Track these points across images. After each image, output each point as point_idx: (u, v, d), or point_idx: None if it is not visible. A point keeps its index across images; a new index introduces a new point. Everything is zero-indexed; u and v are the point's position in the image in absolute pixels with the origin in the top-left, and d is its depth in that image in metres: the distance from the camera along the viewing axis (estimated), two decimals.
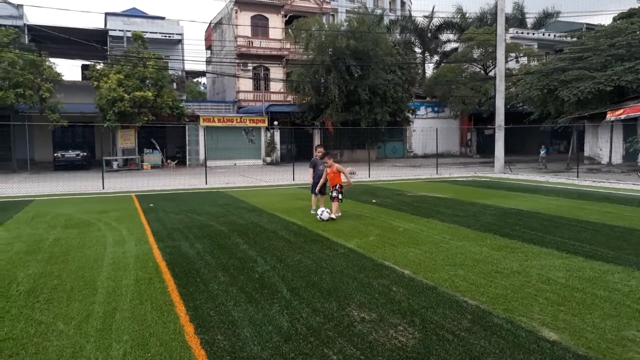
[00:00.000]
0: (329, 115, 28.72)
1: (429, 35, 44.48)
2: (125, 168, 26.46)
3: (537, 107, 26.63)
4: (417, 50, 44.44)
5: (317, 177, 9.92)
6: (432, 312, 4.47)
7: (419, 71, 40.59)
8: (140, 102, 24.87)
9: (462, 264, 6.11)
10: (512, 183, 17.35)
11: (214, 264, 6.24)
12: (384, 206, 11.32)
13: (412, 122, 35.27)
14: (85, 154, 26.81)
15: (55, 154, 26.93)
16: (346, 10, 42.97)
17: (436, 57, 46.02)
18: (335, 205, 9.49)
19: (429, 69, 45.22)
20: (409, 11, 51.98)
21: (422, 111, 38.26)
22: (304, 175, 20.56)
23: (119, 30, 30.70)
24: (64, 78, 26.94)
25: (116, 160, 26.72)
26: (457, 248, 6.97)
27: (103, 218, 9.88)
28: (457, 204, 11.54)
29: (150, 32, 30.34)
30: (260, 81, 34.97)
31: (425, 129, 35.08)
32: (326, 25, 31.74)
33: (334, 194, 9.45)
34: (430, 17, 43.74)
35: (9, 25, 25.35)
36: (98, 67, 27.27)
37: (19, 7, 29.33)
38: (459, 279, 5.47)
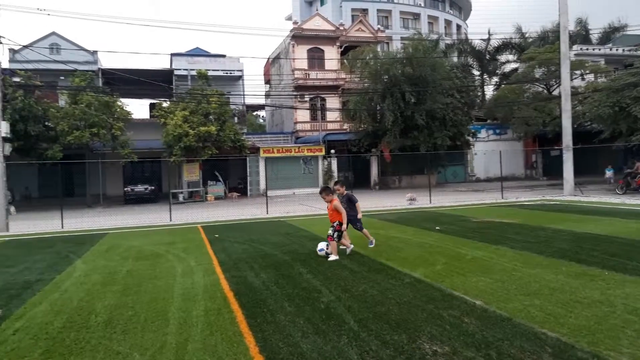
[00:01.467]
0: (387, 142, 28.62)
1: (487, 57, 43.72)
2: (191, 200, 27.46)
3: (607, 125, 25.26)
4: (476, 72, 43.74)
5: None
6: (509, 344, 4.23)
7: (479, 93, 39.83)
8: (204, 137, 25.91)
9: (538, 293, 5.78)
10: (585, 206, 16.39)
11: (279, 294, 6.26)
12: (448, 233, 11.00)
13: (473, 145, 34.43)
14: (153, 187, 28.12)
15: (125, 189, 28.43)
16: (401, 37, 43.22)
17: (495, 79, 45.06)
18: (332, 244, 8.47)
19: (489, 91, 44.28)
20: (465, 34, 51.51)
21: (483, 134, 37.32)
22: (362, 202, 20.47)
23: (184, 70, 32.44)
24: (133, 116, 28.65)
25: (182, 192, 27.81)
26: (530, 276, 6.62)
27: (172, 249, 10.23)
28: (527, 230, 11.02)
29: (213, 70, 31.81)
30: (317, 111, 35.56)
31: (488, 152, 34.11)
32: (381, 54, 31.98)
33: (330, 231, 8.60)
34: (487, 38, 43.09)
35: (86, 70, 27.42)
36: (165, 105, 28.81)
37: (94, 53, 31.75)
38: (535, 309, 5.17)
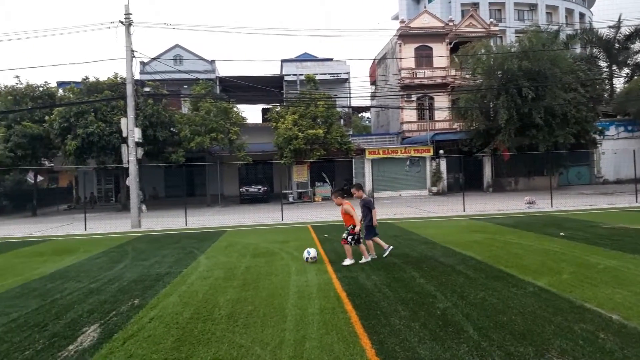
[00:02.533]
0: (502, 141, 27.09)
1: (617, 46, 39.55)
2: (300, 200, 28.29)
3: None
4: (603, 64, 39.78)
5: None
6: None
7: (606, 87, 36.16)
8: (313, 139, 26.55)
9: None
10: None
11: (392, 297, 6.17)
12: (575, 239, 10.09)
13: (600, 144, 31.32)
14: (265, 188, 29.43)
15: (240, 189, 30.07)
16: (515, 30, 40.73)
17: (627, 70, 40.58)
18: (346, 248, 8.40)
19: (619, 84, 40.01)
20: (590, 23, 47.16)
21: (612, 131, 33.82)
22: (474, 205, 19.58)
23: (293, 75, 33.56)
24: (248, 121, 30.23)
25: (292, 193, 28.75)
26: None
27: (285, 247, 10.58)
28: None
29: (320, 74, 32.51)
30: (425, 110, 34.74)
31: (618, 151, 30.85)
32: (494, 48, 30.37)
33: (344, 234, 8.47)
34: (617, 26, 38.97)
35: (205, 79, 29.50)
36: (276, 109, 30.03)
37: (212, 62, 34.05)
38: None
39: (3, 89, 26.49)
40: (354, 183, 9.63)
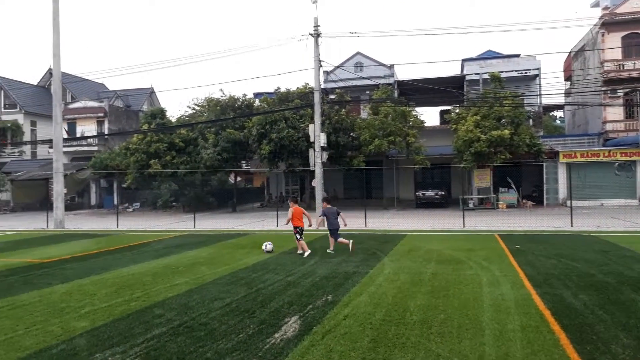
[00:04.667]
0: None
1: None
2: (481, 207, 26.83)
3: None
4: None
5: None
6: None
7: None
8: (497, 142, 24.96)
9: None
10: None
11: (609, 321, 5.36)
12: None
13: None
14: (443, 193, 28.61)
15: (417, 193, 29.75)
16: None
17: None
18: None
19: None
20: None
21: None
22: None
23: (475, 74, 32.02)
24: (425, 124, 29.79)
25: (472, 199, 27.44)
26: None
27: (472, 257, 10.06)
28: None
29: (506, 71, 30.42)
30: (635, 107, 29.97)
31: None
32: None
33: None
34: None
35: (384, 84, 29.94)
36: (455, 110, 29.01)
37: (390, 67, 34.42)
38: None
39: (213, 101, 30.59)
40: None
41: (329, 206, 11.76)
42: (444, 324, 5.41)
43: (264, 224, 20.12)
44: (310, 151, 18.98)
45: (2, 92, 43.11)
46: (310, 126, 19.21)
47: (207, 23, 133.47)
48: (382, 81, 31.16)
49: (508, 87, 28.07)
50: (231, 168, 29.79)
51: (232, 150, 28.12)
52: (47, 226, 20.88)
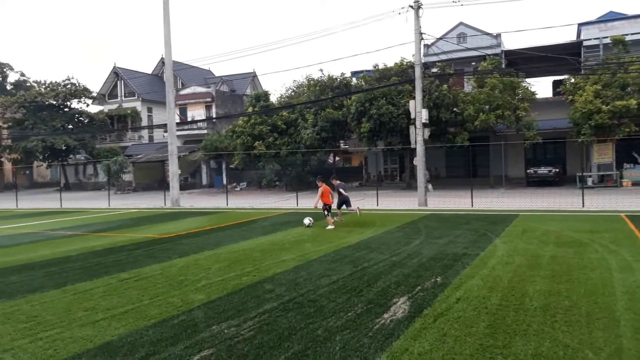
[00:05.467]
0: None
1: None
2: (602, 184, 24.46)
3: None
4: None
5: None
6: None
7: None
8: (621, 113, 22.46)
9: None
10: None
11: None
12: None
13: None
14: (557, 170, 26.50)
15: (527, 170, 27.85)
16: None
17: None
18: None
19: None
20: None
21: None
22: None
23: (594, 39, 28.94)
24: (537, 96, 27.61)
25: (590, 176, 25.11)
26: None
27: (596, 239, 9.14)
28: None
29: (632, 34, 27.11)
30: None
31: None
32: None
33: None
34: None
35: (491, 54, 28.14)
36: (570, 80, 26.52)
37: (497, 36, 32.24)
38: None
39: (312, 81, 30.93)
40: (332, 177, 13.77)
41: (338, 182, 13.21)
42: (570, 312, 4.93)
43: (363, 202, 20.05)
44: (411, 128, 18.44)
45: (122, 81, 47.19)
46: (411, 102, 18.62)
47: (304, 4, 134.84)
48: (488, 52, 29.34)
49: (634, 51, 25.05)
50: (330, 148, 30.00)
51: (331, 130, 28.27)
52: (165, 204, 22.61)
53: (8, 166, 47.04)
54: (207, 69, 54.87)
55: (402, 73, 26.84)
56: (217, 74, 54.44)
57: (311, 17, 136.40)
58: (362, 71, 31.11)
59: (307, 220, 12.52)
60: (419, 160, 18.32)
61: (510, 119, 25.10)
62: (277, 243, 9.97)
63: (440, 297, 5.64)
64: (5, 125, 45.32)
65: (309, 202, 21.27)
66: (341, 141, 33.62)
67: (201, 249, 9.57)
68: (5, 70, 69.39)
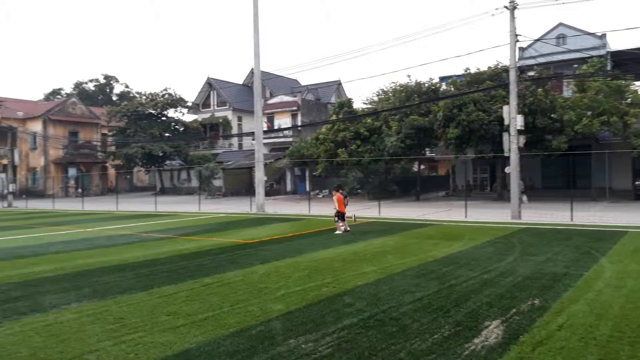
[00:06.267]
0: None
1: None
2: None
3: None
4: None
5: None
6: None
7: None
8: None
9: None
10: None
11: None
12: None
13: None
14: None
15: (635, 182, 25.29)
16: None
17: None
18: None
19: None
20: None
21: None
22: None
23: None
24: None
25: None
26: None
27: None
28: None
29: None
30: None
31: None
32: None
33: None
34: None
35: (595, 56, 25.91)
36: None
37: (602, 36, 29.68)
38: None
39: (398, 87, 30.38)
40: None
41: (340, 192, 14.07)
42: None
43: (450, 214, 19.20)
44: (504, 135, 17.35)
45: (215, 92, 49.54)
46: (505, 108, 17.54)
47: (389, 9, 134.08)
48: (591, 53, 27.07)
49: None
50: (414, 155, 29.21)
51: (416, 137, 27.47)
52: (251, 210, 23.18)
53: (111, 171, 51.13)
54: (294, 78, 56.09)
55: (496, 77, 25.51)
56: (302, 83, 55.46)
57: (397, 23, 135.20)
58: (451, 76, 30.03)
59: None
60: (513, 170, 17.17)
61: (617, 126, 22.89)
62: (358, 253, 9.68)
63: (539, 322, 5.04)
64: (110, 133, 49.34)
65: (392, 211, 20.78)
66: (427, 149, 32.69)
67: (282, 256, 9.53)
68: (111, 82, 75.51)
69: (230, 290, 6.80)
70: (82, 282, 7.54)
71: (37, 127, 48.21)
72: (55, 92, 74.57)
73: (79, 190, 45.26)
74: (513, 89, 17.38)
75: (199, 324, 5.28)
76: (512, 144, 16.96)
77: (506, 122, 17.36)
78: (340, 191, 14.15)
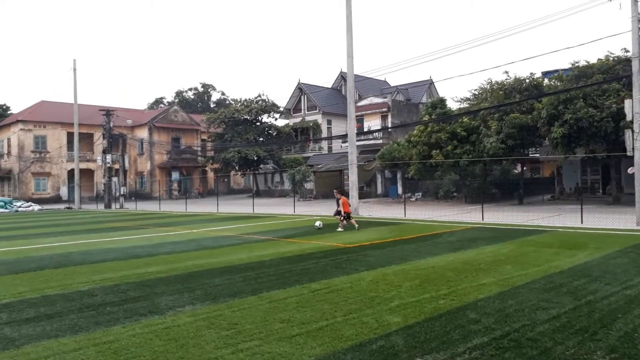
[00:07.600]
0: None
1: None
2: None
3: None
4: None
5: None
6: None
7: None
8: None
9: None
10: None
11: None
12: None
13: None
14: None
15: None
16: None
17: None
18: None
19: None
20: None
21: None
22: None
23: None
24: None
25: None
26: None
27: None
28: None
29: None
30: None
31: None
32: None
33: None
34: None
35: None
36: None
37: None
38: None
39: (495, 85, 28.74)
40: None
41: (341, 195, 16.08)
42: None
43: (561, 219, 17.66)
44: (627, 132, 15.60)
45: (305, 96, 50.29)
46: (626, 102, 15.76)
47: (485, 6, 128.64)
48: None
49: None
50: (517, 156, 27.40)
51: (518, 136, 25.69)
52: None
53: (210, 175, 53.76)
54: (383, 79, 55.44)
55: (608, 70, 23.21)
56: (392, 84, 54.63)
57: (490, 18, 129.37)
58: (555, 71, 27.87)
59: (318, 224, 16.21)
60: (637, 170, 15.37)
61: None
62: (471, 262, 9.01)
63: None
64: (209, 139, 51.92)
65: (495, 216, 19.51)
66: (530, 149, 30.59)
67: (388, 263, 9.12)
68: (209, 90, 79.69)
69: (340, 298, 6.53)
70: (194, 284, 7.67)
71: (143, 134, 52.03)
72: (158, 101, 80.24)
73: (176, 193, 48.28)
74: (636, 80, 15.56)
75: (315, 334, 5.04)
76: (637, 142, 15.18)
77: (628, 117, 15.60)
78: (341, 196, 16.13)
